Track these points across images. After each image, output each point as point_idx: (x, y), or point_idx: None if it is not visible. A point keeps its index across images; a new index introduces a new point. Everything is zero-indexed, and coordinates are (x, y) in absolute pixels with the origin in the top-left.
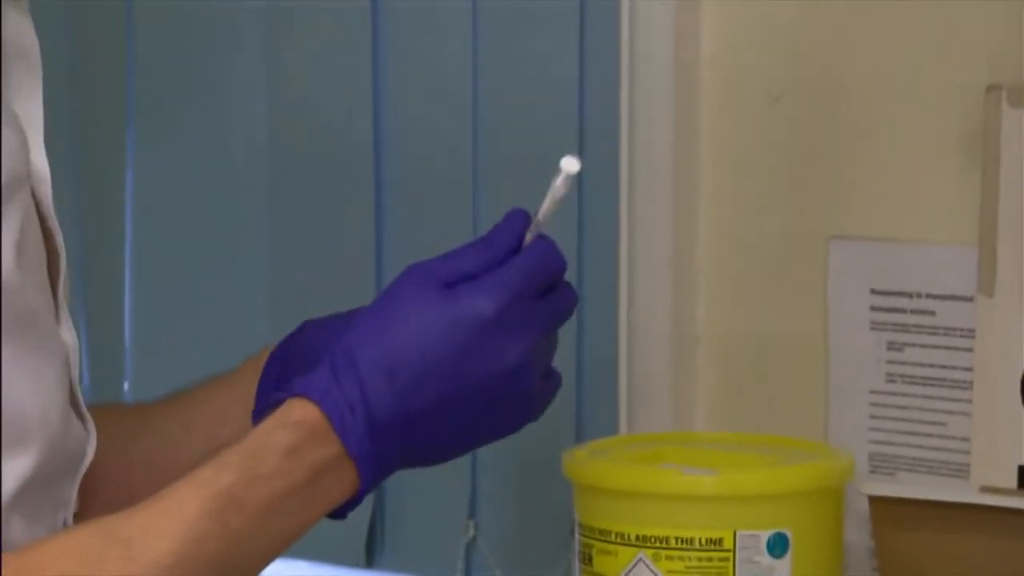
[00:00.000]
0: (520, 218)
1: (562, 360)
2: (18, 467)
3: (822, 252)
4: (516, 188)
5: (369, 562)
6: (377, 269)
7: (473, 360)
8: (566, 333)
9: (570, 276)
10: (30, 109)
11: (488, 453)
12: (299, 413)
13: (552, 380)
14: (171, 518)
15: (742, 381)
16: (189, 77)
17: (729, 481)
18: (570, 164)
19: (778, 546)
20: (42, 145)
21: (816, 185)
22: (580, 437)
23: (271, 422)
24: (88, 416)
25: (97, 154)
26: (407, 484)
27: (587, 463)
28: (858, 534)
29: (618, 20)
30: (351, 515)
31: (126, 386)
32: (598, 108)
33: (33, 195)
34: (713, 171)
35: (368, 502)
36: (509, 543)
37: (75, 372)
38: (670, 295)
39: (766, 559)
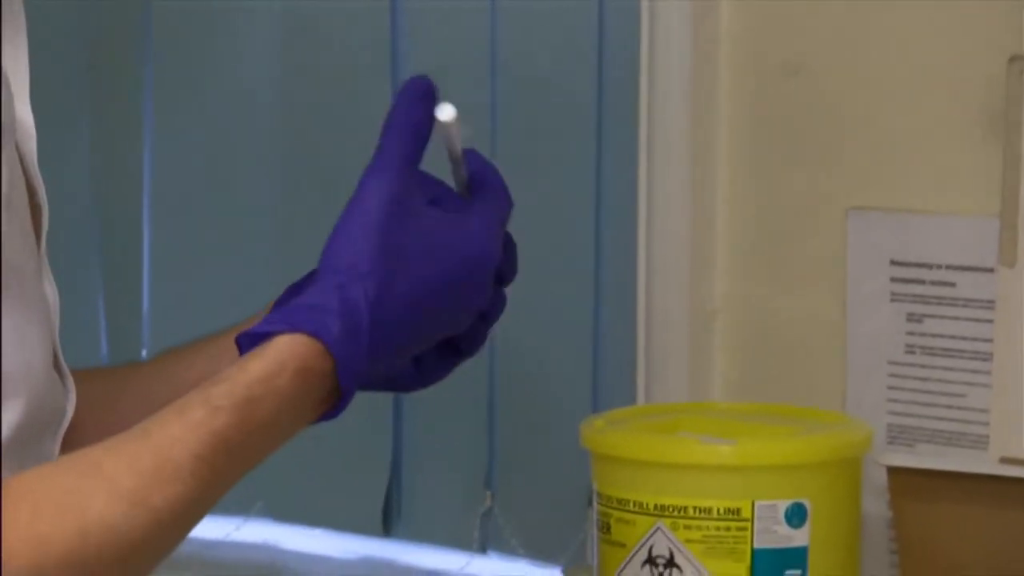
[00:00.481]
0: None
1: (579, 329)
2: (4, 420)
3: (841, 224)
4: (531, 147)
5: (386, 531)
6: None
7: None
8: (584, 302)
9: (588, 247)
10: (14, 58)
11: (504, 422)
12: (300, 359)
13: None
14: (158, 455)
15: (759, 353)
16: (207, 37)
17: (747, 451)
18: (442, 112)
19: (796, 516)
20: (27, 97)
21: (834, 157)
22: (597, 407)
23: (268, 365)
24: (68, 373)
25: (113, 123)
26: (424, 453)
27: (605, 432)
28: (876, 505)
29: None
30: (368, 483)
31: (144, 354)
32: (616, 82)
33: (17, 148)
34: (731, 143)
35: (385, 471)
36: (525, 513)
37: (56, 328)
38: (687, 266)
39: (784, 529)
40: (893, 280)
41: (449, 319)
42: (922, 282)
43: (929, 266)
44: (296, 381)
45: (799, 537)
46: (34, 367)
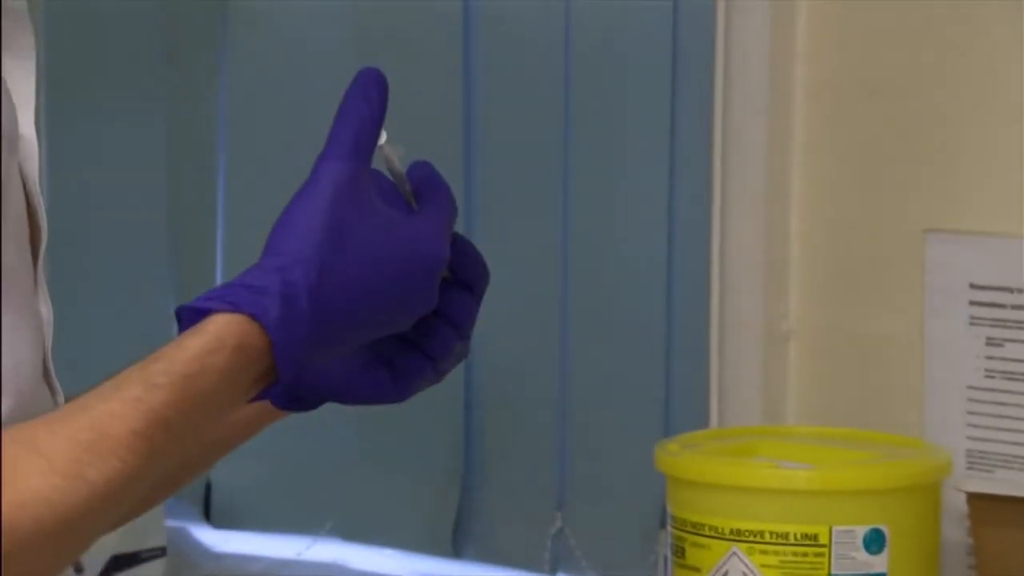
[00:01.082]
0: None
1: (651, 351)
2: None
3: (919, 246)
4: (605, 169)
5: (455, 552)
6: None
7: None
8: (656, 323)
9: (660, 267)
10: (20, 77)
11: (576, 444)
12: (238, 336)
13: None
14: (97, 433)
15: (835, 376)
16: None
17: (826, 476)
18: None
19: (875, 542)
20: (32, 117)
21: (913, 178)
22: (668, 430)
23: (207, 341)
24: (59, 390)
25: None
26: (494, 474)
27: (680, 456)
28: (955, 531)
29: (713, 13)
30: (438, 503)
31: None
32: (691, 102)
33: (19, 167)
34: (807, 164)
35: (455, 491)
36: (596, 535)
37: (48, 344)
38: (762, 288)
39: (863, 555)
40: (972, 303)
41: (390, 315)
42: (1002, 306)
43: (1009, 290)
44: (234, 358)
45: (878, 563)
46: (22, 372)
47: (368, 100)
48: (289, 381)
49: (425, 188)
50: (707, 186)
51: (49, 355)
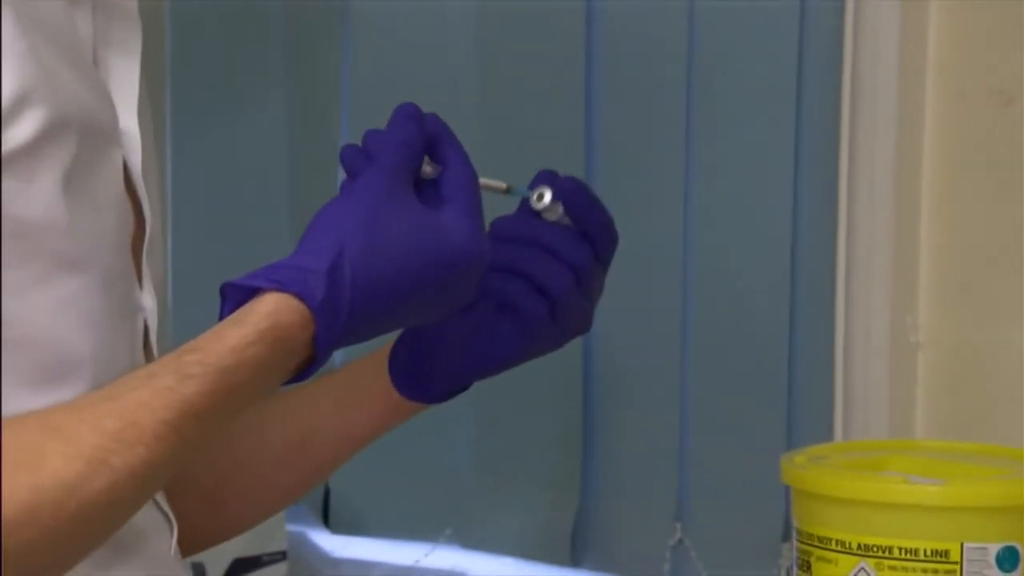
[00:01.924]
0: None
1: (775, 361)
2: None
3: None
4: (729, 179)
5: (574, 560)
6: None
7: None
8: (780, 333)
9: (785, 276)
10: (124, 73)
11: (695, 454)
12: (280, 330)
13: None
14: (124, 421)
15: (964, 389)
16: None
17: (957, 491)
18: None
19: (1008, 560)
20: (134, 110)
21: None
22: (791, 442)
23: (247, 334)
24: None
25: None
26: (613, 483)
27: (808, 469)
28: None
29: (842, 18)
30: (558, 511)
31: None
32: (817, 110)
33: (124, 161)
34: (937, 174)
35: (574, 499)
36: (716, 546)
37: (154, 337)
38: (889, 298)
39: (995, 573)
40: None
41: (424, 306)
42: None
43: None
44: (272, 350)
45: None
46: (103, 355)
47: (409, 129)
48: (322, 364)
49: (453, 190)
50: (833, 195)
51: (154, 347)
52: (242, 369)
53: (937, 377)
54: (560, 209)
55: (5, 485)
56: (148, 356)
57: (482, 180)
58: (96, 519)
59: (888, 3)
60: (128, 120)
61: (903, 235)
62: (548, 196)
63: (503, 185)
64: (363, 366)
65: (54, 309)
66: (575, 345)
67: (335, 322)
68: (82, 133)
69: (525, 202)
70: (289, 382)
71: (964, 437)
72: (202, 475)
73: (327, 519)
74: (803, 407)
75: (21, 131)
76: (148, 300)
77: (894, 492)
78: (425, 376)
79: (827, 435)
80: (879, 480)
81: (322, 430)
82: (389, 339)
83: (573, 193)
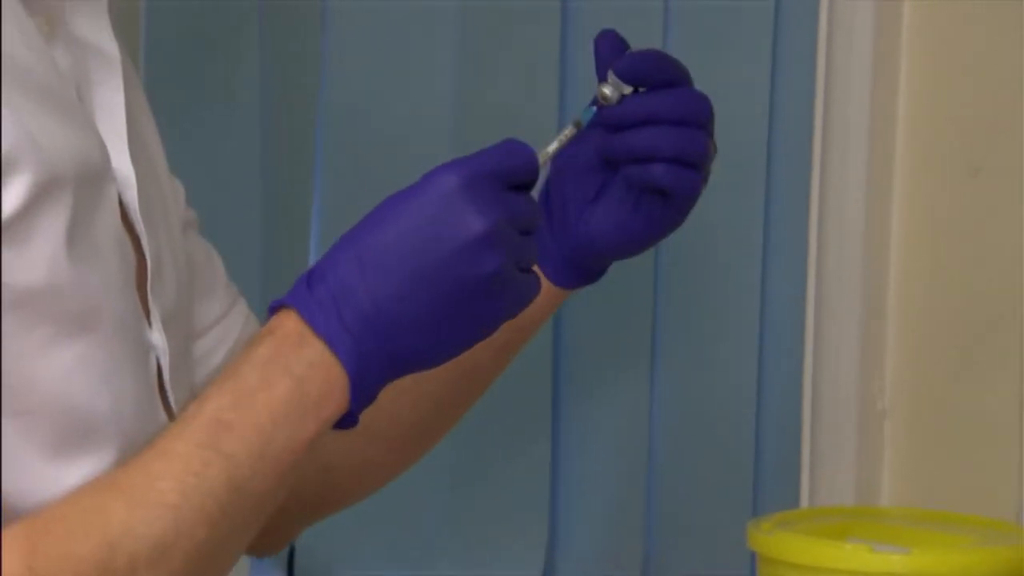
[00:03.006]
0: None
1: (741, 425)
2: (86, 465)
3: (1018, 326)
4: (700, 240)
5: None
6: None
7: (436, 230)
8: (747, 396)
9: (754, 339)
10: (110, 113)
11: (662, 518)
12: (274, 323)
13: (529, 277)
14: (165, 456)
15: (930, 456)
16: None
17: (922, 561)
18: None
19: None
20: (126, 149)
21: (1012, 259)
22: (758, 507)
23: (251, 340)
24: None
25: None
26: (578, 547)
27: (774, 535)
28: None
29: (813, 84)
30: (524, 573)
31: None
32: (788, 176)
33: (119, 198)
34: (905, 241)
35: (540, 561)
36: None
37: (167, 374)
38: (857, 365)
39: None
40: None
41: (460, 315)
42: None
43: None
44: (310, 415)
45: None
46: (123, 410)
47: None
48: (363, 391)
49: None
50: (803, 259)
51: (168, 384)
52: (248, 368)
53: (904, 444)
54: (629, 89)
55: (82, 546)
56: (163, 396)
57: (548, 150)
58: (174, 559)
59: (859, 72)
60: (119, 155)
61: (871, 302)
62: (608, 91)
63: (570, 129)
64: None
65: (66, 372)
66: (543, 413)
67: (369, 393)
68: (76, 183)
69: (600, 110)
70: (344, 420)
71: (930, 504)
72: (379, 423)
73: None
74: (770, 472)
75: (10, 199)
76: (158, 338)
77: (859, 560)
78: (577, 265)
79: (794, 500)
80: (844, 548)
81: (489, 343)
82: None
83: (633, 71)
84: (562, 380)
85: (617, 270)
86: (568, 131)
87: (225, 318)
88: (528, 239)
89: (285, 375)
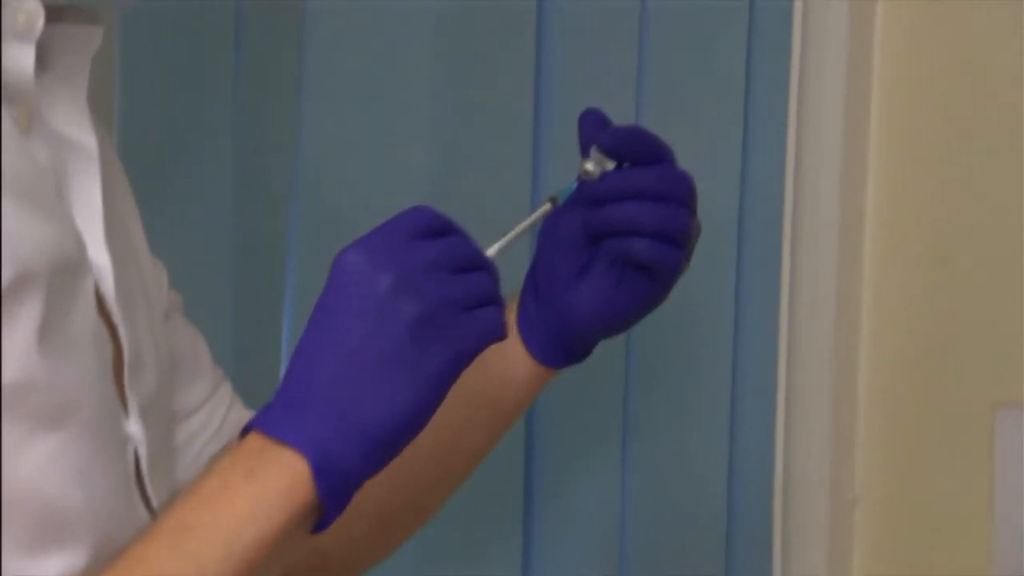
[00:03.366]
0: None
1: (713, 514)
2: (61, 561)
3: (988, 418)
4: (672, 335)
5: None
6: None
7: (349, 300)
8: (718, 486)
9: (724, 428)
10: (88, 205)
11: None
12: (239, 443)
13: (483, 312)
14: (136, 560)
15: (901, 547)
16: None
17: None
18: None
19: None
20: (103, 240)
21: (984, 350)
22: None
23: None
24: (156, 509)
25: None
26: None
27: None
28: None
29: (782, 170)
30: None
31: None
32: (758, 261)
33: (96, 289)
34: (875, 331)
35: None
36: None
37: (145, 465)
38: (828, 453)
39: None
40: None
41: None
42: None
43: None
44: (284, 514)
45: None
46: (97, 505)
47: None
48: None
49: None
50: (773, 346)
51: (146, 475)
52: (205, 474)
53: (874, 532)
54: (612, 164)
55: None
56: (141, 487)
57: (523, 226)
58: None
59: (829, 157)
60: (96, 246)
61: (842, 392)
62: (591, 166)
63: (547, 205)
64: (496, 347)
65: (40, 468)
66: (515, 496)
67: (342, 505)
68: (50, 277)
69: (582, 185)
70: (322, 520)
71: None
72: (364, 502)
73: None
74: (741, 560)
75: None
76: (136, 428)
77: None
78: (562, 342)
79: None
80: None
81: (472, 424)
82: (510, 309)
83: (617, 146)
84: (535, 468)
85: (589, 355)
86: (544, 207)
87: (209, 401)
88: (465, 276)
89: (244, 476)
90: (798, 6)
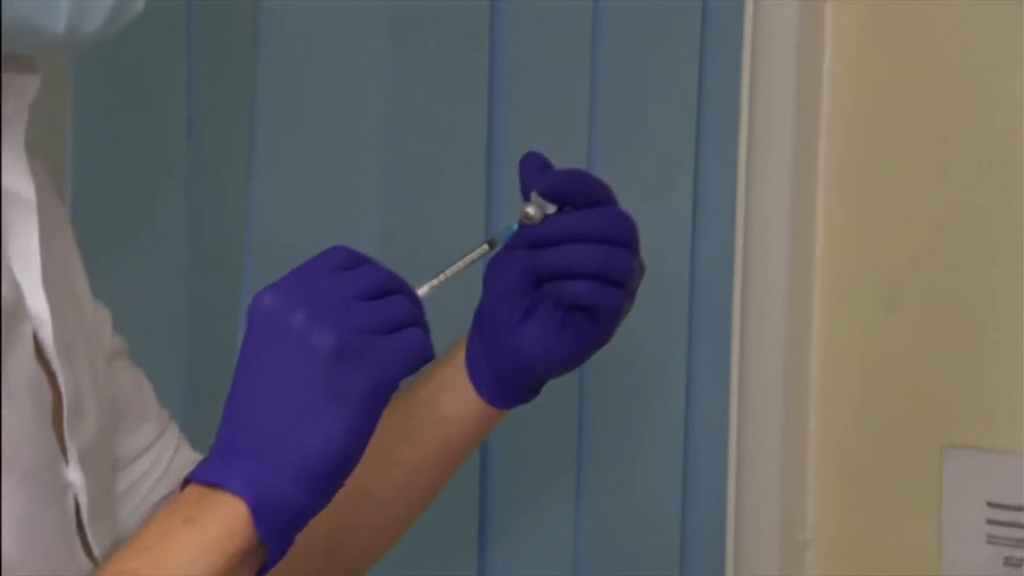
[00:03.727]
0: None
1: (664, 554)
2: None
3: (937, 461)
4: (623, 384)
5: None
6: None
7: (268, 340)
8: (671, 529)
9: (677, 470)
10: (25, 249)
11: None
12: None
13: (404, 336)
14: None
15: None
16: None
17: None
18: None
19: None
20: (41, 288)
21: (932, 392)
22: None
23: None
24: (97, 557)
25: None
26: None
27: None
28: None
29: (733, 209)
30: None
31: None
32: (710, 304)
33: (35, 337)
34: (825, 373)
35: None
36: None
37: (85, 512)
38: (779, 495)
39: None
40: (990, 522)
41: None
42: (1020, 526)
43: None
44: (224, 555)
45: None
46: (37, 557)
47: None
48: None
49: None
50: (725, 394)
51: (87, 521)
52: (147, 523)
53: (825, 573)
54: (553, 208)
55: None
56: (81, 534)
57: (458, 265)
58: None
59: (778, 205)
60: (34, 294)
61: (792, 435)
62: (532, 210)
63: (483, 247)
64: (445, 386)
65: None
66: (469, 537)
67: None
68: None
69: (523, 229)
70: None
71: None
72: (313, 540)
73: None
74: None
75: None
76: (75, 475)
77: None
78: (510, 383)
79: None
80: None
81: (423, 462)
82: (460, 348)
83: (556, 191)
84: (488, 505)
85: (543, 393)
86: (480, 249)
87: (156, 445)
88: (381, 301)
89: (183, 522)
90: (748, 21)
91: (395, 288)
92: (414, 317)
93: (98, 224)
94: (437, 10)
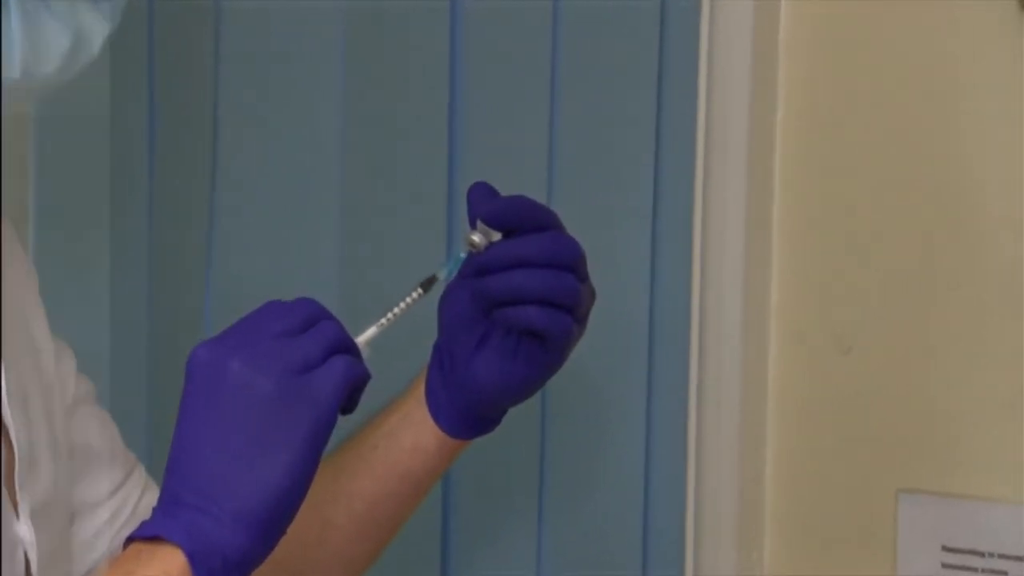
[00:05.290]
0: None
1: None
2: None
3: (891, 506)
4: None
5: None
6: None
7: (209, 389)
8: (630, 568)
9: (638, 512)
10: None
11: None
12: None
13: (337, 362)
14: None
15: None
16: None
17: None
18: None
19: None
20: None
21: (886, 437)
22: None
23: None
24: None
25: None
26: None
27: None
28: None
29: (690, 254)
30: None
31: None
32: (668, 355)
33: None
34: (780, 421)
35: None
36: None
37: (35, 568)
38: (736, 539)
39: None
40: (945, 566)
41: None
42: (974, 570)
43: (982, 554)
44: None
45: None
46: None
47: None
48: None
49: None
50: (682, 438)
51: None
52: None
53: None
54: (498, 235)
55: None
56: None
57: (386, 317)
58: None
59: (733, 248)
60: None
61: (748, 478)
62: (477, 238)
63: (417, 291)
64: (406, 419)
65: None
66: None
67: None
68: None
69: (470, 257)
70: None
71: None
72: (278, 552)
73: None
74: None
75: None
76: (26, 531)
77: None
78: (468, 414)
79: None
80: None
81: (386, 494)
82: (420, 381)
83: (499, 218)
84: (451, 536)
85: (504, 423)
86: (416, 293)
87: (121, 488)
88: (304, 335)
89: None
90: (704, 28)
91: (316, 317)
92: (340, 342)
93: (61, 240)
94: (395, 10)
